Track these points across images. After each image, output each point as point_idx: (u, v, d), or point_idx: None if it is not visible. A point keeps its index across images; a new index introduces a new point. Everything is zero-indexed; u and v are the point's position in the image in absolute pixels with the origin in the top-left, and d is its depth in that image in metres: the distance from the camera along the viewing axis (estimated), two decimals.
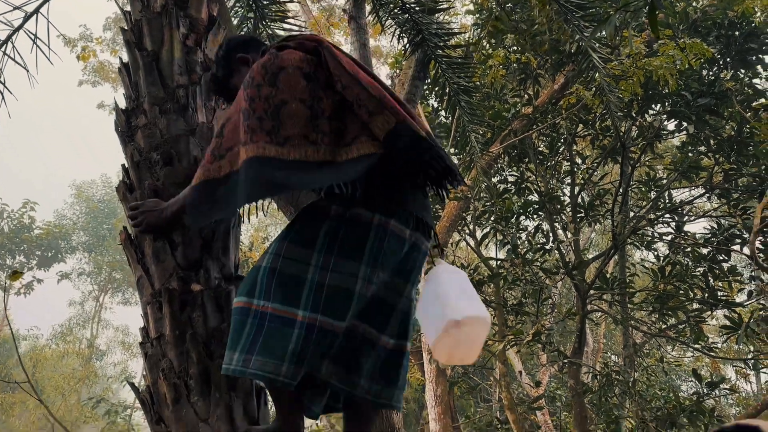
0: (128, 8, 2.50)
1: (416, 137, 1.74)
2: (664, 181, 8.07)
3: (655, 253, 8.14)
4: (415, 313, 1.88)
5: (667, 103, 7.12)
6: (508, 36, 7.14)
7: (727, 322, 6.57)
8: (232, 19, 5.03)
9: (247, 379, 1.88)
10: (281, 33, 5.38)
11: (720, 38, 7.04)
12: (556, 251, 7.70)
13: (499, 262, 7.86)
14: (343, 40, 14.39)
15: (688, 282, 7.08)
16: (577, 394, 7.12)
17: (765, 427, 0.81)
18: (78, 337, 24.71)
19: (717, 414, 6.99)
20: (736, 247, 7.36)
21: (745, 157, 7.03)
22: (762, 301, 7.46)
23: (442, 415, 6.58)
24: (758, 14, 7.17)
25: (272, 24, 5.28)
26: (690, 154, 7.65)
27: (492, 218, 7.52)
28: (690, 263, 7.40)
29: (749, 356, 8.49)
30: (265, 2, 5.23)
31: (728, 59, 7.16)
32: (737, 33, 7.02)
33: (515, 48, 7.36)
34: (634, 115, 7.17)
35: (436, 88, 6.68)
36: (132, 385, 2.04)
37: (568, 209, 7.99)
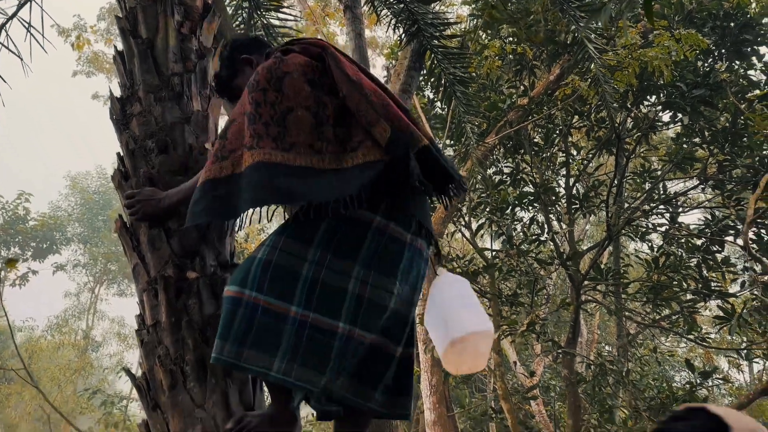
0: None
1: (416, 146, 1.75)
2: (659, 173, 8.10)
3: (650, 244, 8.18)
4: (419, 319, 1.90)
5: (662, 94, 7.13)
6: (504, 27, 7.13)
7: (721, 313, 6.61)
8: (227, 7, 5.00)
9: None
10: (276, 22, 5.37)
11: (715, 29, 7.05)
12: (551, 242, 7.73)
13: (494, 253, 7.88)
14: (338, 31, 14.34)
15: (682, 273, 7.12)
16: (570, 383, 7.17)
17: (712, 409, 0.83)
18: (73, 328, 24.70)
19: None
20: (730, 238, 7.41)
21: (739, 148, 7.06)
22: (755, 292, 7.50)
23: (438, 405, 6.62)
24: (753, 5, 7.17)
25: (267, 13, 5.26)
26: (684, 146, 7.67)
27: (487, 209, 7.54)
28: (684, 254, 7.43)
29: (742, 347, 8.55)
30: None
31: (723, 50, 7.18)
32: (732, 24, 7.03)
33: (511, 39, 7.36)
34: (630, 106, 7.19)
35: (432, 79, 6.68)
36: (128, 371, 2.05)
37: (563, 200, 8.01)
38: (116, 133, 2.25)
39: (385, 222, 1.75)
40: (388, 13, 5.60)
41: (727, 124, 7.15)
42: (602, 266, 7.43)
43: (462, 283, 1.91)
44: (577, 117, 7.73)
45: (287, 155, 1.67)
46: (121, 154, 2.19)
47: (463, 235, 8.89)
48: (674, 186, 9.51)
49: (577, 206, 7.82)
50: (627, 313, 8.45)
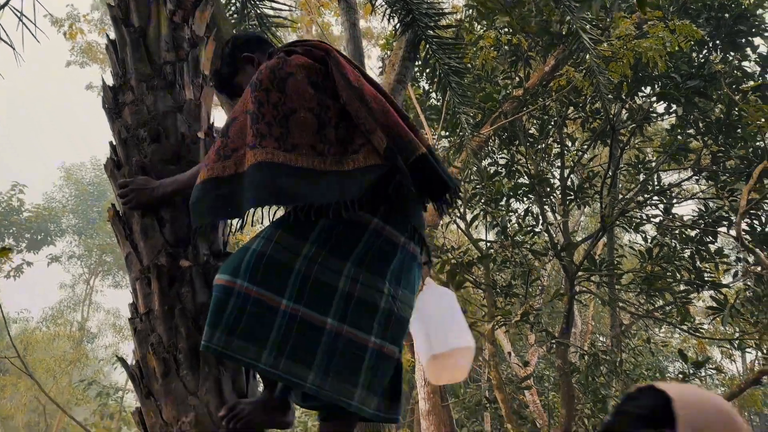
0: None
1: (414, 154, 1.76)
2: (653, 164, 8.12)
3: (643, 235, 8.21)
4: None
5: (656, 86, 7.14)
6: (498, 17, 7.11)
7: (714, 304, 6.65)
8: None
9: None
10: (270, 12, 5.34)
11: (710, 20, 7.05)
12: (545, 233, 7.75)
13: (488, 244, 7.90)
14: (333, 21, 14.28)
15: (675, 264, 7.15)
16: (564, 374, 7.21)
17: (658, 385, 0.85)
18: (69, 320, 24.67)
19: None
20: (723, 229, 7.44)
21: (733, 139, 7.07)
22: (748, 282, 7.55)
23: (432, 395, 6.64)
24: None
25: (261, 2, 5.23)
26: (679, 137, 7.69)
27: (482, 200, 7.55)
28: (677, 245, 7.47)
29: (735, 337, 8.61)
30: None
31: (718, 41, 7.17)
32: (727, 15, 7.03)
33: (506, 30, 7.34)
34: (624, 97, 7.19)
35: (427, 70, 6.67)
36: (121, 360, 2.05)
37: (558, 192, 8.03)
38: (108, 122, 2.24)
39: (383, 224, 1.77)
40: (383, 3, 5.58)
41: (722, 116, 7.16)
42: (596, 257, 7.46)
43: (448, 296, 2.00)
44: (572, 108, 7.73)
45: (289, 156, 1.68)
46: (114, 143, 2.19)
47: (458, 226, 8.91)
48: (668, 177, 9.55)
49: (572, 197, 7.83)
50: (621, 304, 8.49)
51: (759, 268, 7.08)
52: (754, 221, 6.93)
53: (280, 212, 1.87)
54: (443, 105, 7.20)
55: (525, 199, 7.87)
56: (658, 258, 7.05)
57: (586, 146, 8.19)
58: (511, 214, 7.87)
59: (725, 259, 7.38)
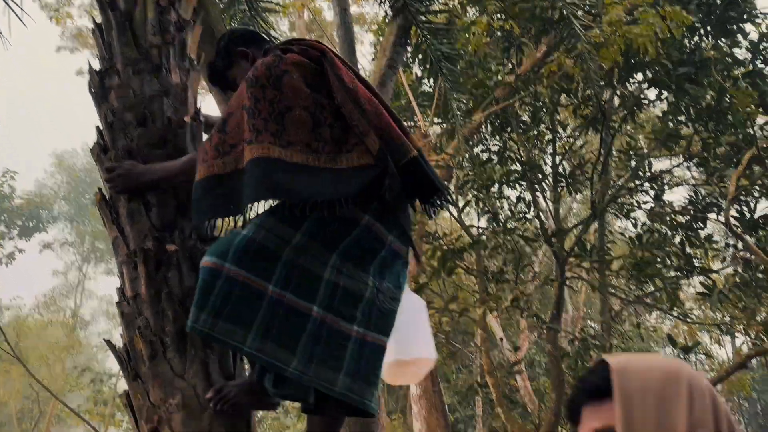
0: None
1: (405, 157, 1.80)
2: (644, 151, 8.14)
3: (634, 221, 8.26)
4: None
5: (648, 72, 7.14)
6: (491, 2, 7.08)
7: (703, 289, 6.72)
8: None
9: None
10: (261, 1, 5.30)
11: (701, 6, 7.03)
12: (537, 219, 7.78)
13: (480, 230, 7.93)
14: (325, 6, 14.19)
15: (665, 250, 7.20)
16: (555, 358, 7.27)
17: (606, 358, 0.89)
18: (61, 306, 24.66)
19: None
20: (713, 216, 7.49)
21: (723, 125, 7.09)
22: (737, 268, 7.61)
23: (423, 379, 6.69)
24: None
25: None
26: (670, 124, 7.70)
27: (474, 187, 7.57)
28: (667, 231, 7.51)
29: (724, 322, 8.70)
30: None
31: (709, 27, 7.16)
32: (718, 1, 7.01)
33: (499, 15, 7.31)
34: (615, 83, 7.19)
35: (419, 56, 6.64)
36: (109, 343, 2.06)
37: (550, 178, 8.05)
38: (95, 107, 2.24)
39: (373, 221, 1.80)
40: None
41: (712, 102, 7.18)
42: (587, 243, 7.50)
43: (421, 307, 2.07)
44: (564, 95, 7.73)
45: (285, 151, 1.71)
46: (101, 127, 2.19)
47: (450, 212, 8.93)
48: (659, 164, 9.58)
49: (564, 184, 7.86)
50: (611, 290, 8.55)
51: (747, 254, 7.14)
52: (743, 207, 6.97)
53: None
54: (435, 91, 7.19)
55: (517, 185, 7.89)
56: (649, 244, 7.10)
57: (577, 133, 8.21)
58: (502, 200, 7.89)
59: (714, 245, 7.44)
